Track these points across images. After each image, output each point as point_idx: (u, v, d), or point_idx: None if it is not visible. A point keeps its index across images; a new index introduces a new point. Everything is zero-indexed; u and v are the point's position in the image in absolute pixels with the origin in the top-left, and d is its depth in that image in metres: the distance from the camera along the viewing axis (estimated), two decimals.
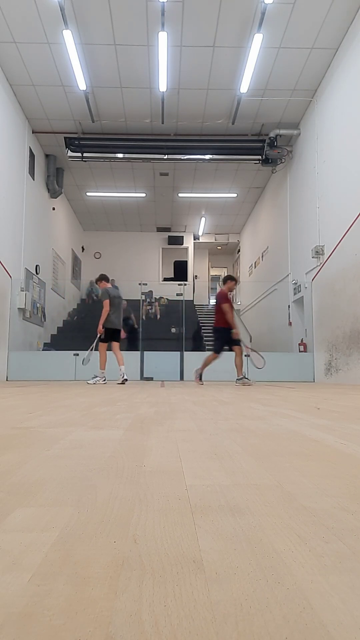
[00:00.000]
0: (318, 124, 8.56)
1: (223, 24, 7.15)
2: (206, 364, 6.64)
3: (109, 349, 6.69)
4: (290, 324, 10.19)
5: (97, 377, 6.60)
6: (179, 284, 10.92)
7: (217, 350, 6.57)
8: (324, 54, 7.74)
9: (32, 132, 9.99)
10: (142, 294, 11.11)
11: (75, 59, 7.72)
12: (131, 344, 9.70)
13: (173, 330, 11.21)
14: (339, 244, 7.50)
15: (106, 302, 6.53)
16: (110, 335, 6.65)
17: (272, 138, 9.73)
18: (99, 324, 6.47)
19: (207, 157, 9.91)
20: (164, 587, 0.42)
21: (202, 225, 16.45)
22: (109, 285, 6.75)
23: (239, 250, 17.90)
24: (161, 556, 0.50)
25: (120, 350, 6.76)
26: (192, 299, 16.25)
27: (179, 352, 9.15)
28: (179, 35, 7.36)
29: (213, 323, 6.77)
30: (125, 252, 17.15)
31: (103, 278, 6.70)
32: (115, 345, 6.69)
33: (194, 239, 17.71)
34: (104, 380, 6.62)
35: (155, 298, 13.85)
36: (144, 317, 10.73)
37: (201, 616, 0.37)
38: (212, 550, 0.51)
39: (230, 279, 6.58)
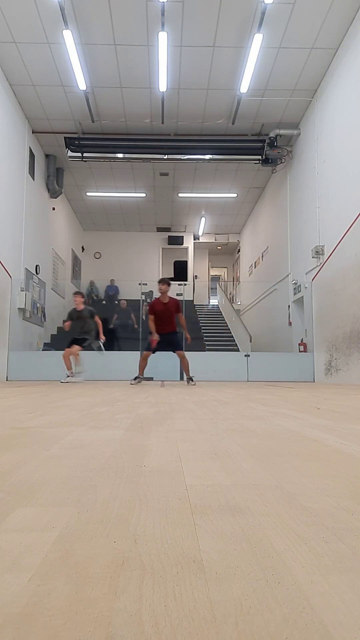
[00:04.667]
0: (318, 124, 8.56)
1: (223, 24, 7.15)
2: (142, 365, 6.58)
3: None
4: (290, 324, 10.19)
5: (69, 376, 7.20)
6: (179, 284, 10.92)
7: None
8: (324, 54, 7.74)
9: (32, 132, 9.99)
10: (142, 294, 11.11)
11: (75, 59, 7.72)
12: (132, 344, 9.71)
13: None
14: (339, 244, 7.50)
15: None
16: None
17: (272, 138, 9.73)
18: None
19: (207, 157, 9.91)
20: (164, 587, 0.42)
21: (202, 225, 16.45)
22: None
23: (239, 250, 17.91)
24: (161, 556, 0.50)
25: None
26: (192, 299, 16.25)
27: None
28: (179, 35, 7.36)
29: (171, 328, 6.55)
30: (125, 252, 17.15)
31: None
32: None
33: (194, 239, 17.71)
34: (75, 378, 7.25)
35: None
36: (144, 317, 10.72)
37: (201, 616, 0.37)
38: (212, 550, 0.51)
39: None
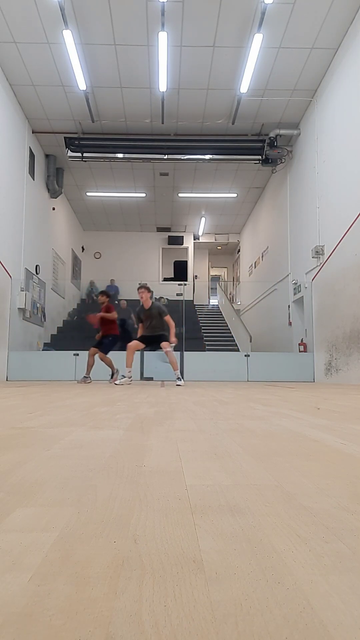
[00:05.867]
0: (318, 124, 8.56)
1: (223, 24, 7.15)
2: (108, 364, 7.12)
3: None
4: (290, 324, 10.19)
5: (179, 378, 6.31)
6: (179, 284, 10.92)
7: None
8: (324, 54, 7.74)
9: (32, 132, 9.99)
10: None
11: (75, 59, 7.72)
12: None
13: None
14: (339, 244, 7.50)
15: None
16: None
17: (272, 138, 9.73)
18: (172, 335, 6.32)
19: (207, 157, 9.91)
20: (164, 587, 0.42)
21: (202, 225, 16.45)
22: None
23: (239, 250, 17.91)
24: (161, 556, 0.50)
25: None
26: (192, 299, 16.25)
27: (178, 352, 9.15)
28: (179, 35, 7.36)
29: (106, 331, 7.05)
30: (125, 252, 17.15)
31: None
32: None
33: (194, 239, 17.71)
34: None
35: (155, 298, 13.83)
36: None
37: (201, 616, 0.37)
38: (212, 550, 0.51)
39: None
